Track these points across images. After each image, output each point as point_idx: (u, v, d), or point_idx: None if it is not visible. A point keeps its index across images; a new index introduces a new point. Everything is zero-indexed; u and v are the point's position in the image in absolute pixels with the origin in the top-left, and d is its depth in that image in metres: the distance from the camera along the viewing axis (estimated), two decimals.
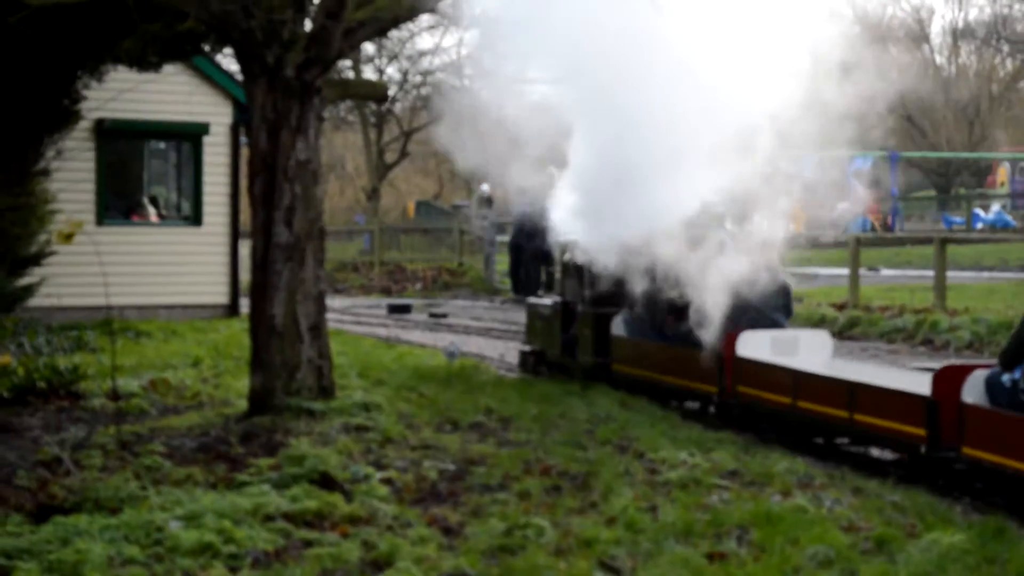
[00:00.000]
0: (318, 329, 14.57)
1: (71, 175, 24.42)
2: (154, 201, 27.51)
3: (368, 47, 51.76)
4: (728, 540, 9.87)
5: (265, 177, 14.46)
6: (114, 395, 15.11)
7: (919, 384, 12.46)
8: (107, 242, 21.90)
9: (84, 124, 24.43)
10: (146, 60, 21.80)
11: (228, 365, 18.70)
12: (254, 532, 9.77)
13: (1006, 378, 11.46)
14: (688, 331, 15.49)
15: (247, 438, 13.11)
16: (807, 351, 15.03)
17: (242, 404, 14.76)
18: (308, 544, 9.65)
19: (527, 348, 20.07)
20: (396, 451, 12.83)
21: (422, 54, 56.03)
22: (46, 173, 22.18)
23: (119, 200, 27.01)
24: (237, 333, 22.14)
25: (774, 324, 15.49)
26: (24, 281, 21.80)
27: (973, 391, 11.52)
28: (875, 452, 13.55)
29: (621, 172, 16.50)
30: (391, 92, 53.39)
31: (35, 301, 22.34)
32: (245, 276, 20.83)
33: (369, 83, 35.42)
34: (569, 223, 18.24)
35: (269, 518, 10.16)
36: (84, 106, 22.93)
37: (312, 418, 13.78)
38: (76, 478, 11.27)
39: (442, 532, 10.12)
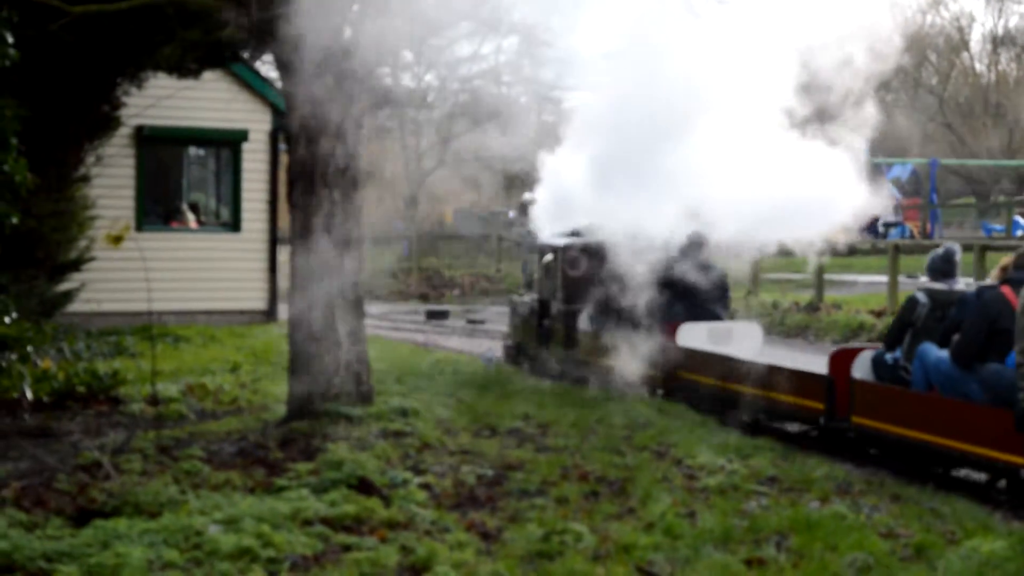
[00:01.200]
0: (356, 335, 14.60)
1: (111, 181, 24.55)
2: (193, 207, 27.61)
3: (407, 54, 51.80)
4: (767, 546, 9.85)
5: (304, 184, 14.50)
6: (153, 400, 15.18)
7: (820, 365, 14.26)
8: (146, 248, 21.96)
9: (124, 131, 24.55)
10: (185, 67, 21.91)
11: (266, 370, 18.75)
12: (293, 537, 9.79)
13: (888, 357, 13.58)
14: (638, 325, 17.24)
15: (285, 443, 13.14)
16: (740, 340, 16.95)
17: (280, 409, 14.80)
18: (346, 549, 9.66)
19: (510, 342, 21.52)
20: (434, 456, 12.84)
21: (460, 61, 56.04)
22: (86, 179, 22.29)
23: (158, 206, 27.11)
24: (275, 339, 22.20)
25: (715, 317, 17.42)
26: (64, 287, 21.91)
27: (861, 369, 13.67)
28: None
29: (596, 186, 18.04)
30: (429, 99, 53.47)
31: (75, 306, 22.44)
32: (284, 282, 20.89)
33: (408, 90, 35.46)
34: (551, 228, 20.33)
35: (307, 523, 10.17)
36: (124, 113, 23.05)
37: (350, 423, 13.79)
38: (116, 482, 11.31)
39: (480, 537, 10.13)
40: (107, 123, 22.47)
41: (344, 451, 12.40)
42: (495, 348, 20.71)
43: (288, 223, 15.00)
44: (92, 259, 22.33)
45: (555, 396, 16.68)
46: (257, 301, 27.13)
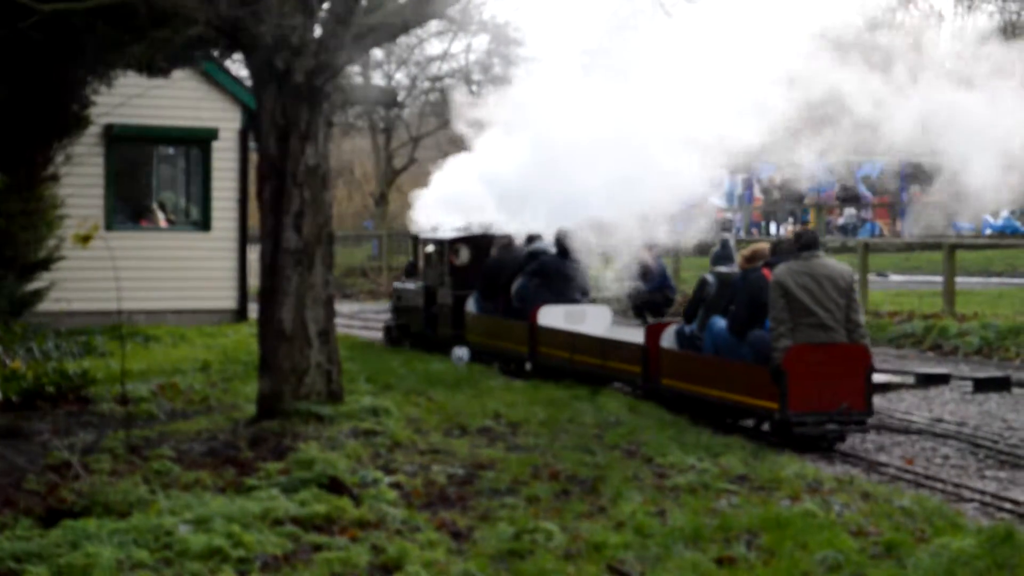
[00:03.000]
0: (327, 334, 14.58)
1: (80, 180, 24.50)
2: (163, 206, 27.55)
3: (377, 53, 51.74)
4: (737, 544, 9.86)
5: (274, 182, 14.48)
6: (123, 399, 15.14)
7: (639, 337, 17.18)
8: (116, 247, 21.90)
9: (93, 129, 24.50)
10: (155, 66, 21.86)
11: (237, 370, 18.72)
12: (263, 536, 9.77)
13: (686, 329, 16.34)
14: (512, 308, 20.65)
15: (256, 442, 13.13)
16: (592, 320, 19.63)
17: (251, 409, 14.78)
18: (317, 548, 9.65)
19: (391, 324, 25.03)
20: (405, 455, 12.83)
21: (431, 60, 55.98)
22: (55, 178, 22.24)
23: (128, 205, 27.04)
24: (246, 338, 22.18)
25: (574, 301, 20.21)
26: (33, 286, 21.85)
27: (667, 339, 16.48)
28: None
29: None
30: (400, 98, 53.43)
31: (44, 306, 22.39)
32: (254, 281, 20.88)
33: (378, 88, 35.45)
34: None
35: (278, 522, 10.16)
36: (93, 111, 23.00)
37: (321, 423, 13.78)
38: (85, 482, 11.28)
39: (451, 536, 10.13)
40: (76, 122, 22.42)
41: (314, 450, 12.38)
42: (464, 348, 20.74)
43: (258, 222, 14.98)
44: (61, 258, 22.27)
45: (525, 395, 16.69)
46: (227, 300, 27.10)
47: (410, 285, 24.32)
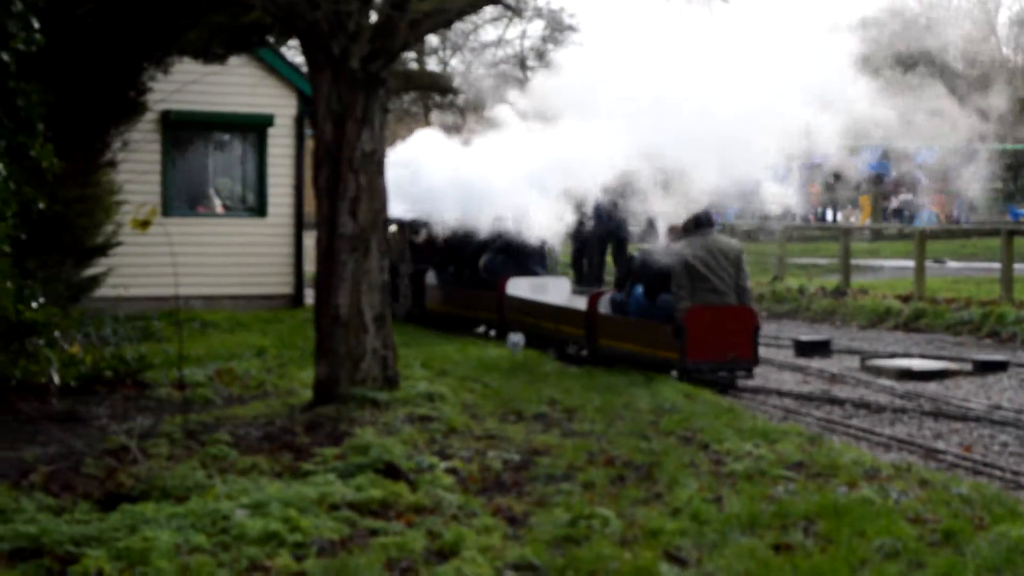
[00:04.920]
0: (382, 319, 14.60)
1: (137, 166, 24.60)
2: (218, 192, 27.64)
3: (432, 39, 51.76)
4: (794, 531, 9.82)
5: (330, 168, 14.50)
6: (180, 384, 15.20)
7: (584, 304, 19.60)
8: (173, 233, 22.00)
9: (150, 116, 24.60)
10: (211, 52, 21.92)
11: (293, 355, 18.76)
12: (319, 521, 9.79)
13: (618, 296, 19.00)
14: (477, 279, 23.25)
15: (312, 428, 13.16)
16: (554, 291, 22.07)
17: (307, 394, 14.81)
18: (373, 533, 9.66)
19: None
20: (460, 441, 12.84)
21: (486, 46, 55.99)
22: (112, 164, 22.30)
23: (184, 191, 27.14)
24: (301, 323, 22.23)
25: (535, 274, 22.76)
26: (90, 272, 21.95)
27: (604, 306, 19.06)
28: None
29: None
30: (455, 84, 53.43)
31: (102, 291, 22.50)
32: (309, 267, 20.93)
33: (433, 74, 35.47)
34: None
35: (334, 507, 10.18)
36: (150, 98, 23.06)
37: (377, 408, 13.80)
38: (143, 466, 11.33)
39: (507, 522, 10.12)
40: (133, 108, 22.47)
41: (371, 436, 12.40)
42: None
43: (314, 208, 15.01)
44: (119, 244, 22.35)
45: (580, 381, 16.68)
46: (283, 286, 27.17)
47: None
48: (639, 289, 18.39)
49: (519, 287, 22.07)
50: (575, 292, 22.61)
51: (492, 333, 22.81)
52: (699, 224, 17.73)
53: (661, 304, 17.79)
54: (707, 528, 9.87)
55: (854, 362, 20.16)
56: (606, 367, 18.24)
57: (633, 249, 19.21)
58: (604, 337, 18.92)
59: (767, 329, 25.20)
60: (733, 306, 17.37)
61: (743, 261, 17.66)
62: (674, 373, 17.31)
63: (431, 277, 24.61)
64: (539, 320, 21.02)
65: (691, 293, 17.28)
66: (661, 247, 18.33)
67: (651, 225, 19.88)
